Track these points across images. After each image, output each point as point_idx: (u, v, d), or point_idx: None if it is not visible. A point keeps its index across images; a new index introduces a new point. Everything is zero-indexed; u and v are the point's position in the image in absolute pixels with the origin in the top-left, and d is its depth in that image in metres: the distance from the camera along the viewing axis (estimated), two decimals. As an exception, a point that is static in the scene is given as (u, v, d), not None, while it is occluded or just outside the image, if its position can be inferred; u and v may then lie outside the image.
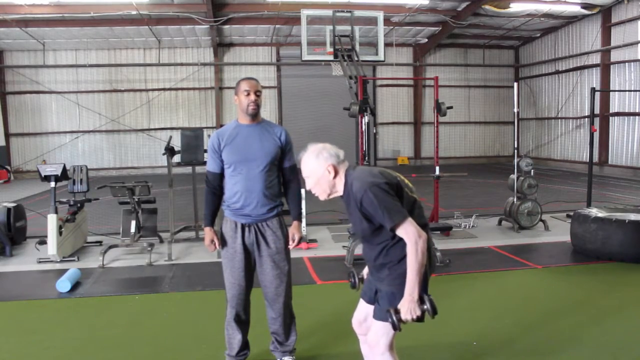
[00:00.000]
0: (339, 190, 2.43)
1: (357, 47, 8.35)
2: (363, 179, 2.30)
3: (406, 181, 2.45)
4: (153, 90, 18.07)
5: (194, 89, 18.32)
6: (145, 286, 5.17)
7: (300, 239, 3.22)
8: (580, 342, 3.68)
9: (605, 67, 15.54)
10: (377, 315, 2.43)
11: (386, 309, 2.31)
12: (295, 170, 3.27)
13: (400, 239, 2.31)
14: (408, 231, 2.22)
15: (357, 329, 2.71)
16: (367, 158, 7.07)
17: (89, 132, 17.85)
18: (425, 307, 2.26)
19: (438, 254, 5.68)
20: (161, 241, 6.86)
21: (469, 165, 18.58)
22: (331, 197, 2.46)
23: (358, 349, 2.77)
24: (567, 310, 4.31)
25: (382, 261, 2.41)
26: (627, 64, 14.83)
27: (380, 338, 2.42)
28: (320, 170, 2.37)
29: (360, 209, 2.30)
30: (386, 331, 2.41)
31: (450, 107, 7.14)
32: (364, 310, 2.65)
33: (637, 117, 14.69)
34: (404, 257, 2.33)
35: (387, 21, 14.91)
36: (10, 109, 17.45)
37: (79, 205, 6.56)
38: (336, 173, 2.38)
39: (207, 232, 3.17)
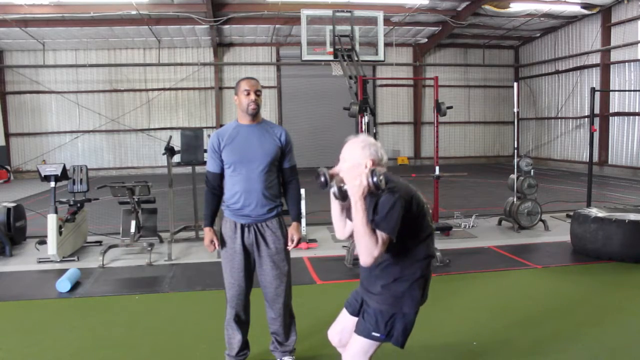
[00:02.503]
0: None
1: (357, 47, 8.34)
2: (401, 187, 2.30)
3: (431, 212, 2.45)
4: (153, 90, 18.07)
5: (194, 89, 18.32)
6: (145, 286, 5.17)
7: (300, 240, 3.21)
8: (580, 342, 3.67)
9: (605, 67, 15.54)
10: (359, 330, 2.40)
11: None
12: (295, 171, 3.27)
13: (400, 258, 2.32)
14: (379, 244, 2.21)
15: (333, 339, 2.65)
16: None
17: (88, 132, 17.85)
18: (337, 188, 2.31)
19: (438, 254, 5.69)
20: (161, 241, 6.86)
21: (469, 165, 18.58)
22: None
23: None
24: (567, 310, 4.31)
25: (377, 273, 2.38)
26: (627, 64, 14.83)
27: (359, 358, 2.40)
28: (360, 160, 2.34)
29: (378, 198, 2.29)
30: (365, 350, 2.38)
31: (450, 107, 7.14)
32: (343, 321, 2.61)
33: (637, 117, 14.69)
34: (399, 278, 2.33)
35: (387, 21, 14.91)
36: (10, 109, 17.45)
37: (79, 205, 6.56)
38: None
39: (207, 233, 3.17)
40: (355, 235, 2.22)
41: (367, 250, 2.19)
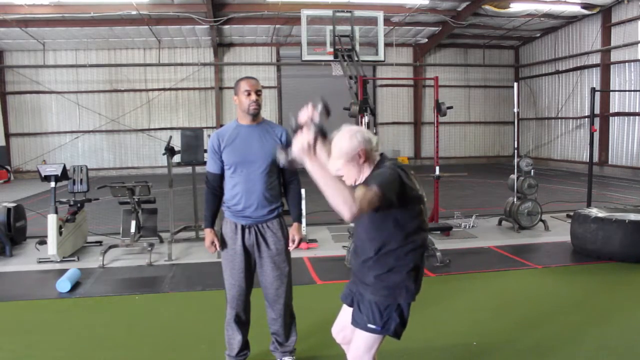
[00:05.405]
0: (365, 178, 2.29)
1: (357, 47, 8.36)
2: (395, 166, 2.22)
3: (425, 201, 2.36)
4: (153, 90, 18.06)
5: (194, 89, 18.31)
6: (145, 286, 5.17)
7: (300, 241, 3.21)
8: (580, 342, 3.67)
9: (605, 67, 15.53)
10: (356, 322, 2.37)
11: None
12: (296, 171, 3.26)
13: (393, 249, 2.27)
14: (365, 196, 2.00)
15: (337, 336, 2.63)
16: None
17: (89, 132, 17.85)
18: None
19: (438, 254, 5.69)
20: (161, 241, 6.86)
21: (469, 165, 18.57)
22: (357, 183, 2.30)
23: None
24: (567, 310, 4.31)
25: (370, 264, 2.33)
26: (627, 64, 14.83)
27: (363, 355, 2.37)
28: (351, 153, 2.26)
29: (371, 176, 2.23)
30: (368, 346, 2.36)
31: (450, 107, 7.14)
32: (344, 318, 2.58)
33: (637, 117, 14.68)
34: (393, 268, 2.29)
35: (387, 21, 14.89)
36: (10, 109, 17.44)
37: (79, 205, 6.55)
38: (366, 158, 2.26)
39: (208, 234, 3.16)
40: (326, 194, 1.96)
41: (346, 203, 1.92)
